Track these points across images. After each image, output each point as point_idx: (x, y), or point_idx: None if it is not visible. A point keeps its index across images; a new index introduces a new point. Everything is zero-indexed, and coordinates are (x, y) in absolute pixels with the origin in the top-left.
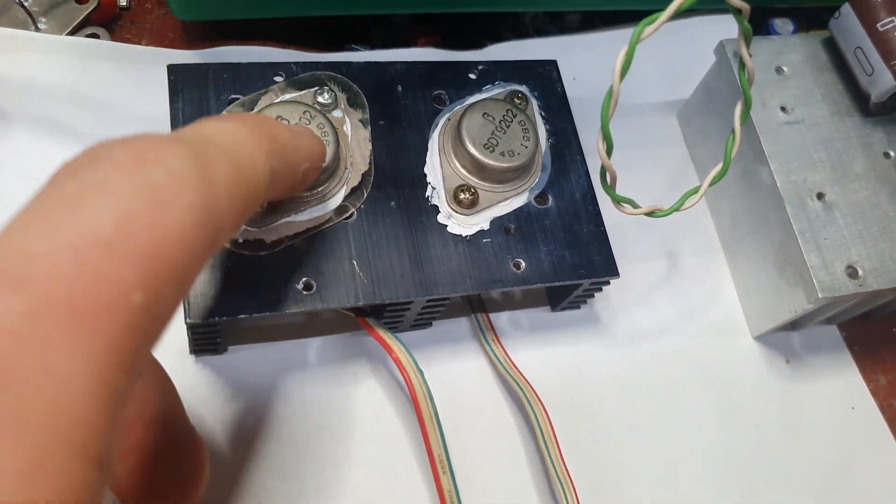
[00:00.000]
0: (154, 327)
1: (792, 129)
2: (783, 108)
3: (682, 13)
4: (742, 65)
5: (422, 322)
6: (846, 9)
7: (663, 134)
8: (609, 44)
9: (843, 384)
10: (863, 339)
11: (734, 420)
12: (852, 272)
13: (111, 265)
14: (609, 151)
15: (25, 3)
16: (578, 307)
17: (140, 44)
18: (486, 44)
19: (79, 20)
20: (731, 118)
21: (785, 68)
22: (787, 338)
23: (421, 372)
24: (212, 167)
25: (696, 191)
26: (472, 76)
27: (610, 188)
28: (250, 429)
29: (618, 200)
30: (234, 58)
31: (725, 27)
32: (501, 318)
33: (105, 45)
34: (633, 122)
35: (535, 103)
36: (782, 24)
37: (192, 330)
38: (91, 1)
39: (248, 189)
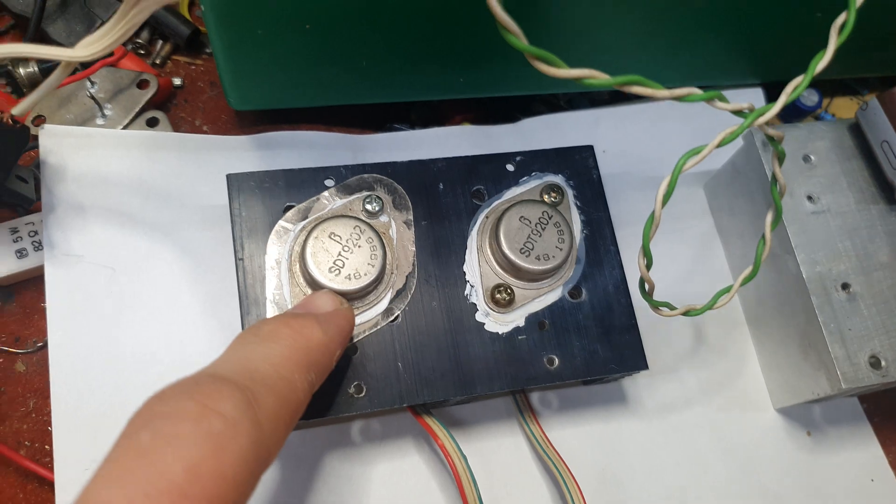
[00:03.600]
0: None
1: (818, 218)
2: (810, 198)
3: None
4: (775, 181)
5: (462, 402)
6: (874, 102)
7: (690, 205)
8: (639, 115)
9: (863, 456)
10: (884, 410)
11: (756, 491)
12: (875, 362)
13: None
14: (648, 267)
15: (91, 91)
16: (608, 383)
17: (194, 122)
18: (519, 118)
19: (141, 105)
20: (756, 197)
21: (812, 157)
22: (808, 409)
23: (465, 457)
24: (259, 406)
25: (727, 290)
26: (510, 167)
27: (648, 296)
28: (298, 501)
29: (656, 306)
30: (285, 142)
31: (749, 98)
32: (533, 397)
33: (167, 137)
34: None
35: (570, 193)
36: (807, 95)
37: None
38: (151, 87)
39: (290, 411)
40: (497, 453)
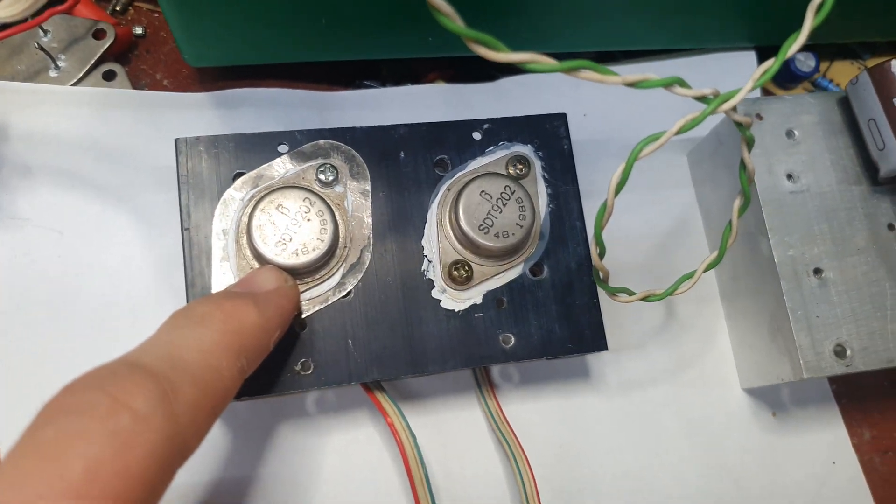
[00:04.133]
0: None
1: (796, 198)
2: (790, 176)
3: (694, 50)
4: (743, 166)
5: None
6: (864, 76)
7: (672, 173)
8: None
9: (827, 438)
10: (852, 391)
11: (717, 472)
12: (840, 351)
13: None
14: (602, 255)
15: (43, 41)
16: (571, 356)
17: (155, 76)
18: (497, 76)
19: (97, 56)
20: (736, 171)
21: (796, 131)
22: (775, 389)
23: (413, 436)
24: (177, 398)
25: (690, 276)
26: (477, 136)
27: (603, 282)
28: (250, 472)
29: (612, 293)
30: (247, 99)
31: (741, 62)
32: (494, 370)
33: (120, 94)
34: (640, 161)
35: (538, 165)
36: (804, 59)
37: None
38: (108, 36)
39: (213, 401)
40: (452, 427)
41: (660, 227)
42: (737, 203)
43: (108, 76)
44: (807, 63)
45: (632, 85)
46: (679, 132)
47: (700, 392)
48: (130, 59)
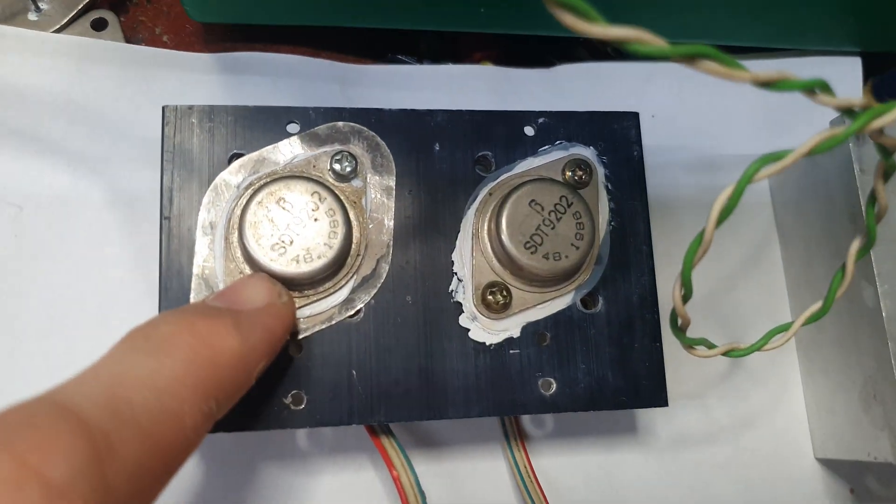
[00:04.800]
0: None
1: None
2: None
3: (790, 51)
4: (873, 200)
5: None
6: None
7: (750, 195)
8: (702, 76)
9: None
10: None
11: None
12: None
13: None
14: (686, 299)
15: None
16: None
17: (154, 30)
18: (554, 63)
19: (86, 1)
20: (835, 198)
21: None
22: (855, 464)
23: (423, 495)
24: (114, 458)
25: (785, 328)
26: (530, 131)
27: (681, 332)
28: None
29: (689, 344)
30: (257, 66)
31: (844, 69)
32: (526, 416)
33: (108, 47)
34: (717, 177)
35: (601, 173)
36: None
37: None
38: None
39: (167, 459)
40: (471, 480)
41: (729, 255)
42: (855, 245)
43: (98, 25)
44: None
45: (766, 85)
46: (811, 153)
47: (765, 456)
48: (128, 8)
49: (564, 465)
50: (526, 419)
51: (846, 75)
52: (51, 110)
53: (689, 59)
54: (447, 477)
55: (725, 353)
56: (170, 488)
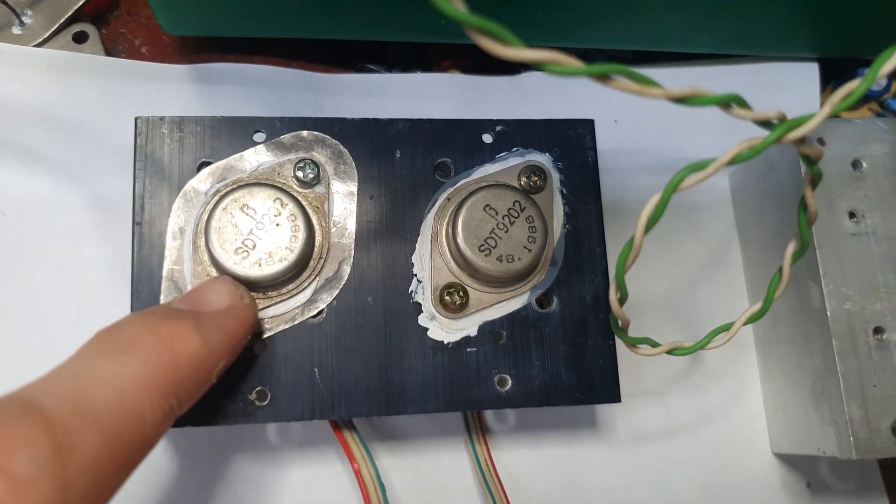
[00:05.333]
0: None
1: (858, 242)
2: (852, 215)
3: (748, 57)
4: (804, 206)
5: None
6: None
7: (711, 196)
8: (665, 81)
9: None
10: None
11: None
12: None
13: None
14: (623, 301)
15: None
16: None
17: (134, 42)
18: (520, 70)
19: (69, 14)
20: (787, 201)
21: (864, 162)
22: (812, 458)
23: (383, 487)
24: (74, 455)
25: (726, 328)
26: (488, 139)
27: (622, 332)
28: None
29: (632, 343)
30: (231, 76)
31: (801, 76)
32: (488, 410)
33: (89, 60)
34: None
35: (556, 178)
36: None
37: None
38: None
39: (126, 456)
40: (433, 473)
41: (691, 257)
42: (790, 248)
43: (80, 38)
44: (878, 82)
45: (679, 101)
46: (731, 163)
47: (723, 452)
48: (109, 20)
49: (525, 459)
50: (489, 414)
51: (803, 81)
52: (32, 121)
53: (603, 77)
54: (410, 470)
55: (669, 352)
56: (142, 482)
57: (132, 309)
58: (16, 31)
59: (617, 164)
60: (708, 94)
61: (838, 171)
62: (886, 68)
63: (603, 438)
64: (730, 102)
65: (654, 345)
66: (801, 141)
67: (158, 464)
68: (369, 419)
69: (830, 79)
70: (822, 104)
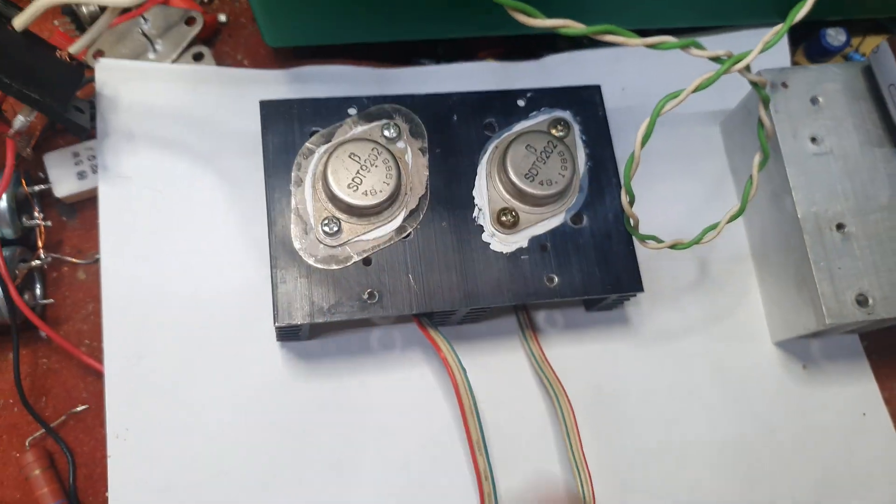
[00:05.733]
0: None
1: (819, 160)
2: (813, 139)
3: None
4: (761, 124)
5: (469, 321)
6: (884, 45)
7: (706, 144)
8: (661, 55)
9: (857, 391)
10: (883, 347)
11: (747, 418)
12: (862, 300)
13: None
14: (631, 203)
15: (144, 29)
16: (610, 310)
17: (236, 56)
18: (542, 54)
19: (188, 40)
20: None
21: (820, 98)
22: (806, 344)
23: (464, 370)
24: None
25: (714, 227)
26: (521, 103)
27: (634, 229)
28: (320, 402)
29: (642, 239)
30: (316, 75)
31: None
32: (540, 316)
33: (209, 70)
34: (676, 131)
35: (576, 129)
36: (835, 34)
37: (278, 329)
38: (197, 23)
39: None
40: (498, 369)
41: (694, 194)
42: (756, 158)
43: (198, 57)
44: (837, 38)
45: (651, 46)
46: (696, 90)
47: (731, 344)
48: (215, 43)
49: (570, 355)
50: (540, 319)
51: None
52: (172, 119)
53: (599, 34)
54: (480, 367)
55: (672, 246)
56: (264, 392)
57: (269, 235)
58: (151, 56)
59: (626, 124)
60: (671, 40)
61: (800, 106)
62: (799, 15)
63: (632, 337)
64: (689, 45)
65: (660, 241)
66: (748, 70)
67: (281, 374)
68: (444, 329)
69: (799, 41)
70: (791, 63)
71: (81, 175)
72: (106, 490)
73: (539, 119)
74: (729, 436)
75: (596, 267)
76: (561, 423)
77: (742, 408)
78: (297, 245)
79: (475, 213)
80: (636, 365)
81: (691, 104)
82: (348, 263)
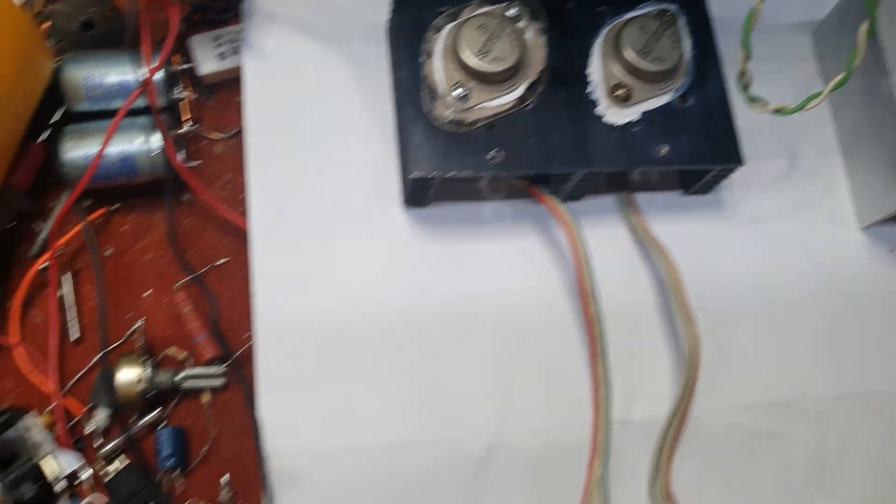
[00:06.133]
0: None
1: None
2: None
3: None
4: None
5: (576, 194)
6: None
7: (797, 52)
8: None
9: None
10: None
11: (836, 292)
12: None
13: None
14: (748, 58)
15: None
16: (706, 192)
17: None
18: None
19: None
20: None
21: None
22: (892, 230)
23: (579, 225)
24: None
25: (818, 95)
26: None
27: (745, 89)
28: (441, 263)
29: (751, 99)
30: None
31: None
32: (640, 197)
33: None
34: (767, 39)
35: (682, 19)
36: None
37: (413, 183)
38: None
39: None
40: (603, 240)
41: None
42: (864, 27)
43: None
44: None
45: None
46: None
47: (819, 230)
48: None
49: (670, 231)
50: (641, 200)
51: None
52: (307, 5)
53: None
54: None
55: (777, 111)
56: (392, 252)
57: (395, 98)
58: None
59: (725, 11)
60: None
61: None
62: None
63: (727, 220)
64: None
65: (766, 104)
66: None
67: (407, 236)
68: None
69: None
70: None
71: (221, 56)
72: (244, 333)
73: (648, 9)
74: (818, 308)
75: (700, 140)
76: (668, 280)
77: (830, 283)
78: (426, 109)
79: (590, 89)
80: (729, 244)
81: (783, 13)
82: (474, 127)
